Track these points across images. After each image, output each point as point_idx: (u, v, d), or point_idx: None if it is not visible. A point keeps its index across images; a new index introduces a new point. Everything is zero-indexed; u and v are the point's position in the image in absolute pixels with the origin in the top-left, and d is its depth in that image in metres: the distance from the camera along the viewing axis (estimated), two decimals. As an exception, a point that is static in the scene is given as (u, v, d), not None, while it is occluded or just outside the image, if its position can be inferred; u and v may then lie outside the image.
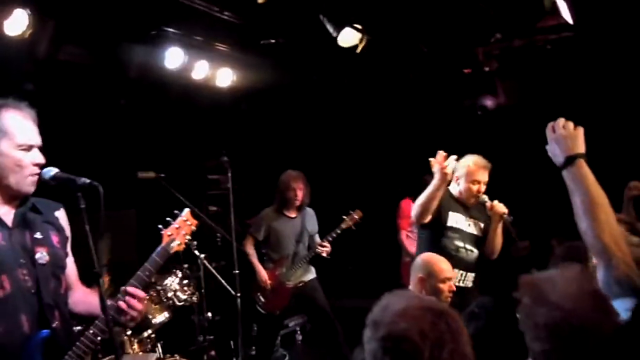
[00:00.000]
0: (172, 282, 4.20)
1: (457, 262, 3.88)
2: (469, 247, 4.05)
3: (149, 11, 4.44)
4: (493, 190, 4.22)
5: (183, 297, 4.23)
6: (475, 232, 4.10)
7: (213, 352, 4.68)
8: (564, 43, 4.94)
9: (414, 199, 4.08)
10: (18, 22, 3.77)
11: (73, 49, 4.42)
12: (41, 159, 2.13)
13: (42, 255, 2.12)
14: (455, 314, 1.37)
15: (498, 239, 4.07)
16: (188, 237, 2.40)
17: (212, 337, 4.64)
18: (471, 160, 4.05)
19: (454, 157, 3.76)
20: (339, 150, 6.81)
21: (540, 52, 5.02)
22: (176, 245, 2.34)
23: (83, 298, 2.34)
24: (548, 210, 5.79)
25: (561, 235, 3.47)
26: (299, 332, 6.37)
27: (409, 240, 5.84)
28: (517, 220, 4.02)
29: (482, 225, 4.12)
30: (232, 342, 5.12)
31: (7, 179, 2.08)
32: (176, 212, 2.41)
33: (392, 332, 1.31)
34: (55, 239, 2.22)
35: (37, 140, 2.14)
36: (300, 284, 5.11)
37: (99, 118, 4.98)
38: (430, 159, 3.76)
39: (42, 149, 2.16)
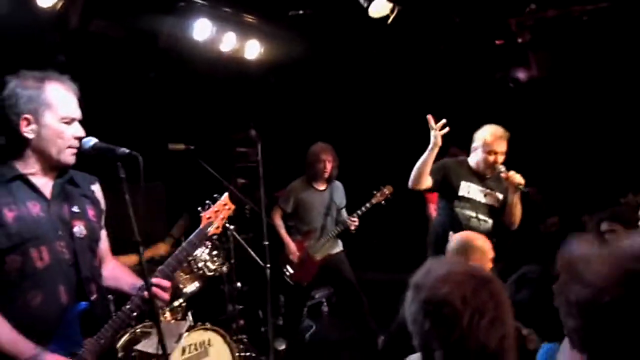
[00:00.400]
0: (202, 252, 4.25)
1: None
2: (482, 217, 4.05)
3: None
4: (523, 164, 4.19)
5: (213, 267, 4.28)
6: (490, 203, 4.08)
7: (242, 321, 4.76)
8: (600, 14, 4.80)
9: None
10: (49, -6, 3.80)
11: (103, 21, 4.43)
12: (82, 132, 2.15)
13: (79, 229, 2.15)
14: (499, 282, 1.36)
15: (516, 210, 4.01)
16: (225, 220, 2.47)
17: (241, 306, 4.71)
18: (488, 131, 4.02)
19: (444, 121, 3.79)
20: (367, 123, 6.77)
21: (576, 23, 4.88)
22: (214, 228, 2.41)
23: (112, 273, 2.38)
24: (579, 185, 5.73)
25: (592, 211, 3.44)
26: (325, 303, 6.44)
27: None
28: (547, 195, 3.98)
29: (499, 195, 4.09)
30: (260, 312, 5.20)
31: (49, 150, 2.09)
32: (215, 195, 2.47)
33: (433, 296, 1.32)
34: (91, 212, 2.25)
35: (78, 113, 2.16)
36: (328, 257, 5.13)
37: (129, 90, 5.01)
38: (429, 115, 3.79)
39: (81, 122, 2.18)
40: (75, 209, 2.18)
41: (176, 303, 4.14)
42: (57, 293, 2.06)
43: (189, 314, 4.23)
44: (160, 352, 2.20)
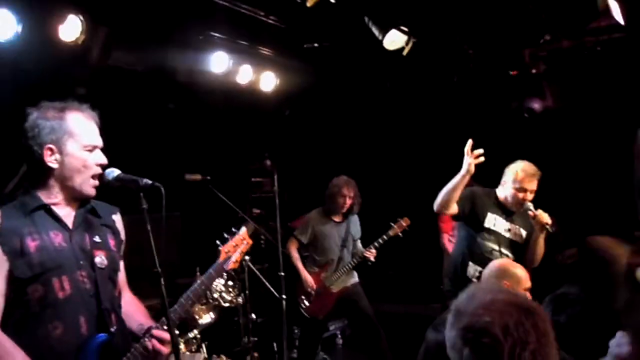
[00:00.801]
0: (217, 283, 4.23)
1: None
2: (504, 251, 4.00)
3: (196, 16, 4.52)
4: (539, 195, 4.16)
5: (228, 298, 4.26)
6: (513, 238, 4.03)
7: (256, 354, 4.70)
8: (614, 44, 4.81)
9: None
10: (72, 28, 3.88)
11: (123, 55, 4.52)
12: (104, 160, 2.18)
13: (101, 260, 2.16)
14: (544, 314, 1.32)
15: (539, 249, 3.95)
16: (244, 255, 2.48)
17: (255, 338, 4.66)
18: (520, 167, 3.97)
19: (480, 150, 3.75)
20: (382, 155, 6.78)
21: (590, 54, 4.89)
22: (232, 262, 2.43)
23: (126, 307, 2.36)
24: (595, 215, 5.67)
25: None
26: (339, 335, 6.37)
27: (451, 245, 5.78)
28: (563, 225, 3.92)
29: (523, 233, 4.04)
30: (275, 344, 5.14)
31: (72, 180, 2.12)
32: (234, 229, 2.49)
33: (474, 324, 1.29)
34: (112, 242, 2.26)
35: (99, 141, 2.19)
36: (344, 289, 5.09)
37: (148, 122, 5.09)
38: (470, 141, 3.78)
39: (109, 148, 2.21)
40: (96, 238, 2.19)
41: (191, 335, 4.11)
42: (78, 323, 2.06)
43: (203, 345, 4.20)
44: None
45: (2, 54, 3.72)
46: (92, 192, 2.17)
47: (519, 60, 5.17)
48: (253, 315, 4.61)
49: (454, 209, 3.91)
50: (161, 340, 2.17)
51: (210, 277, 2.38)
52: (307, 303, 5.04)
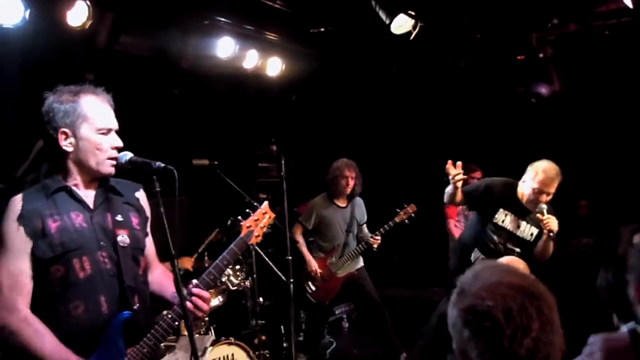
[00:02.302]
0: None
1: (492, 254, 3.94)
2: (509, 246, 4.01)
3: (202, 1, 4.51)
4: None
5: (236, 282, 4.31)
6: (521, 236, 4.01)
7: (264, 337, 4.75)
8: (622, 28, 4.78)
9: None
10: (79, 13, 3.88)
11: (130, 40, 4.52)
12: (119, 142, 2.18)
13: (123, 238, 2.18)
14: (552, 301, 1.27)
15: (548, 249, 3.94)
16: (265, 228, 2.46)
17: (263, 321, 4.71)
18: (542, 167, 3.84)
19: (459, 164, 3.80)
20: (389, 139, 6.79)
21: (598, 38, 4.87)
22: (254, 236, 2.42)
23: (159, 279, 2.40)
24: (604, 200, 5.68)
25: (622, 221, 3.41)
26: (345, 319, 6.42)
27: (457, 230, 5.82)
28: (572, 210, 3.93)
29: (535, 231, 3.99)
30: (282, 327, 5.19)
31: (88, 162, 2.13)
32: (256, 204, 2.48)
33: (476, 306, 1.25)
34: (135, 220, 2.27)
35: (115, 124, 2.20)
36: (349, 275, 5.12)
37: (154, 107, 5.10)
38: (449, 162, 3.81)
39: (119, 132, 2.21)
40: (118, 217, 2.21)
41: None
42: (99, 303, 2.08)
43: (212, 328, 4.25)
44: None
45: (11, 38, 3.74)
46: (110, 170, 2.18)
47: (526, 45, 5.15)
48: (260, 299, 4.65)
49: (460, 201, 3.98)
50: (202, 299, 2.22)
51: (232, 252, 2.36)
52: (312, 288, 5.08)
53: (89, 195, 2.18)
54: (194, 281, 2.29)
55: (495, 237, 4.00)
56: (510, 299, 1.23)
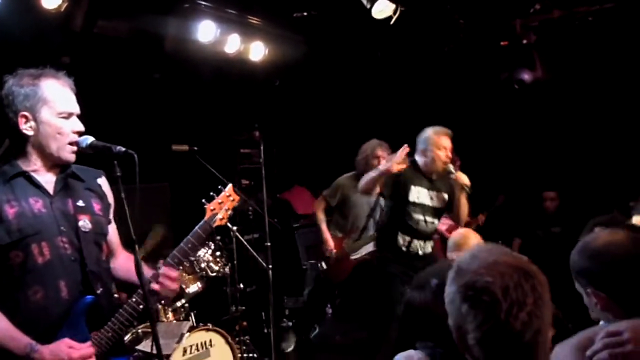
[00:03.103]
0: (205, 253, 4.26)
1: (418, 234, 4.22)
2: (429, 219, 4.26)
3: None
4: (530, 164, 4.21)
5: (215, 268, 4.29)
6: (437, 205, 4.28)
7: (245, 323, 4.76)
8: (605, 14, 4.76)
9: None
10: (54, -5, 3.82)
11: (108, 23, 4.45)
12: (80, 127, 2.15)
13: (84, 223, 2.16)
14: (544, 279, 1.37)
15: (463, 208, 4.25)
16: (230, 211, 2.44)
17: (243, 308, 4.71)
18: (432, 130, 4.23)
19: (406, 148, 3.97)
20: (373, 125, 6.75)
21: (581, 24, 4.85)
22: (218, 219, 2.40)
23: (124, 264, 2.38)
24: (584, 186, 5.70)
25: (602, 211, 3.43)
26: (329, 305, 6.42)
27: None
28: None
29: (445, 196, 4.30)
30: (263, 314, 5.20)
31: (49, 147, 2.10)
32: (220, 187, 2.45)
33: (475, 282, 1.34)
34: (97, 206, 2.25)
35: (76, 108, 2.16)
36: (362, 259, 4.99)
37: (134, 91, 5.04)
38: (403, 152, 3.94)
39: (80, 117, 2.18)
40: (80, 203, 2.19)
41: (179, 303, 4.15)
42: (58, 288, 2.07)
43: (192, 314, 4.24)
44: (156, 351, 2.17)
45: (-16, 21, 3.67)
46: (70, 157, 2.15)
47: (510, 31, 5.12)
48: (241, 285, 4.65)
49: (376, 190, 4.19)
50: (170, 278, 2.22)
51: (196, 234, 2.34)
52: (325, 266, 4.98)
53: (48, 181, 2.15)
54: (161, 261, 2.27)
55: (415, 216, 4.21)
56: (507, 277, 1.32)
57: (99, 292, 2.16)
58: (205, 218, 2.37)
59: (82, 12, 4.21)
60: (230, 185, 2.47)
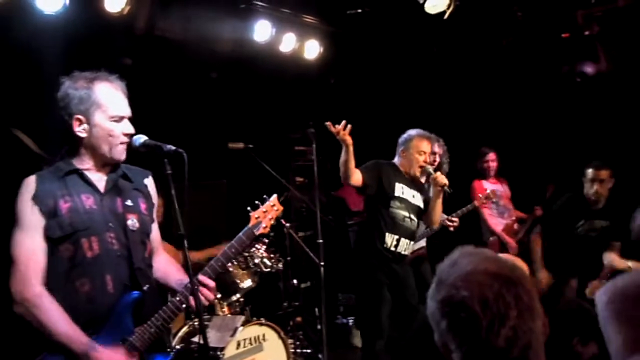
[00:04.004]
0: (258, 249, 4.33)
1: (404, 231, 4.23)
2: (412, 217, 4.30)
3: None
4: (592, 159, 4.09)
5: (269, 264, 4.35)
6: (418, 204, 4.34)
7: (299, 318, 4.81)
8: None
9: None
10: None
11: (167, 25, 4.60)
12: (131, 129, 2.24)
13: (132, 222, 2.27)
14: (530, 286, 1.23)
15: (438, 209, 4.31)
16: (273, 221, 2.55)
17: (297, 303, 4.76)
18: (415, 132, 4.33)
19: (343, 122, 3.91)
20: (428, 121, 6.64)
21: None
22: (262, 228, 2.51)
23: (163, 266, 2.49)
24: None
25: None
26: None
27: (492, 218, 5.69)
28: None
29: (424, 197, 4.37)
30: (316, 310, 5.23)
31: (100, 148, 2.21)
32: (265, 196, 2.56)
33: (451, 297, 1.22)
34: (143, 206, 2.36)
35: (127, 111, 2.26)
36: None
37: (192, 91, 5.18)
38: (327, 123, 3.92)
39: (131, 119, 2.27)
40: (128, 202, 2.29)
41: (234, 298, 4.25)
42: (104, 281, 2.17)
43: (247, 309, 4.32)
44: (205, 343, 2.25)
45: (52, 25, 3.86)
46: (121, 156, 2.25)
47: (571, 22, 4.93)
48: (294, 281, 4.71)
49: (357, 179, 4.11)
50: (207, 287, 2.32)
51: (240, 240, 2.45)
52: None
53: (100, 180, 2.26)
54: (205, 268, 2.38)
55: (401, 213, 4.24)
56: (486, 288, 1.19)
57: (145, 288, 2.26)
58: (249, 225, 2.48)
59: (143, 15, 4.38)
60: (275, 196, 2.58)
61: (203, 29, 4.76)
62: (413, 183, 4.35)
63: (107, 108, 2.19)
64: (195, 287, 2.16)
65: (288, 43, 5.26)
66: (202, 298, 2.25)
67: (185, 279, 2.33)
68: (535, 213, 5.69)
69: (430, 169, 4.25)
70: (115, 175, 2.30)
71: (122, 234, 2.23)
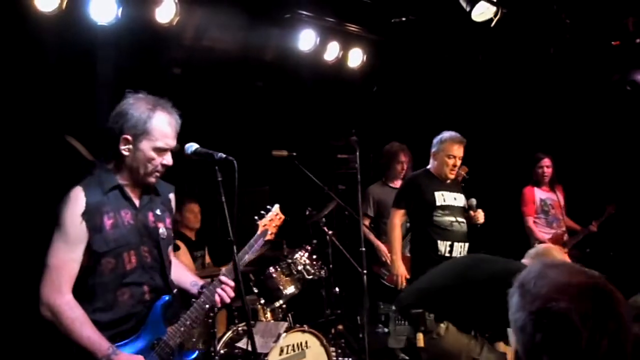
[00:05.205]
0: (301, 256, 4.37)
1: (454, 235, 4.25)
2: (460, 219, 4.32)
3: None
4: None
5: (312, 271, 4.37)
6: (462, 205, 4.37)
7: (341, 326, 4.80)
8: None
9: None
10: (167, 10, 4.09)
11: (215, 35, 4.70)
12: (169, 162, 2.35)
13: (163, 231, 2.43)
14: (621, 296, 1.23)
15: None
16: (277, 228, 2.78)
17: (339, 311, 4.76)
18: (447, 135, 4.36)
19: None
20: (473, 129, 6.57)
21: None
22: (268, 235, 2.73)
23: (176, 271, 2.61)
24: None
25: None
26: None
27: (537, 227, 5.60)
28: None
29: (463, 197, 4.41)
30: (358, 318, 5.21)
31: (138, 170, 2.32)
32: (268, 207, 2.76)
33: (550, 308, 1.20)
34: (167, 219, 2.50)
35: (173, 144, 2.35)
36: None
37: (238, 99, 5.27)
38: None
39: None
40: (157, 212, 2.44)
41: (277, 304, 4.29)
42: (142, 290, 2.35)
43: (289, 315, 4.36)
44: (253, 349, 2.34)
45: (105, 35, 4.00)
46: (153, 181, 2.38)
47: (622, 29, 4.81)
48: (336, 289, 4.71)
49: (402, 219, 4.40)
50: (228, 286, 2.48)
51: (251, 246, 2.65)
52: (386, 273, 5.06)
53: (135, 195, 2.40)
54: (222, 269, 2.56)
55: (447, 219, 4.27)
56: (584, 300, 1.20)
57: (175, 291, 2.45)
58: (258, 233, 2.69)
59: (192, 25, 4.49)
60: (277, 205, 2.79)
61: (249, 39, 4.86)
62: (451, 186, 4.39)
63: (156, 139, 2.29)
64: (243, 291, 2.29)
65: (332, 52, 5.30)
66: (224, 295, 2.44)
67: (198, 281, 2.60)
68: (589, 228, 5.58)
69: (474, 203, 4.32)
70: (149, 191, 2.44)
71: (153, 246, 2.39)
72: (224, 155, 2.22)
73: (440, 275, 3.45)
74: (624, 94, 5.31)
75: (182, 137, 2.41)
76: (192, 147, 2.33)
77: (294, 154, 4.44)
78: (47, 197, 2.42)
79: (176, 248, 4.21)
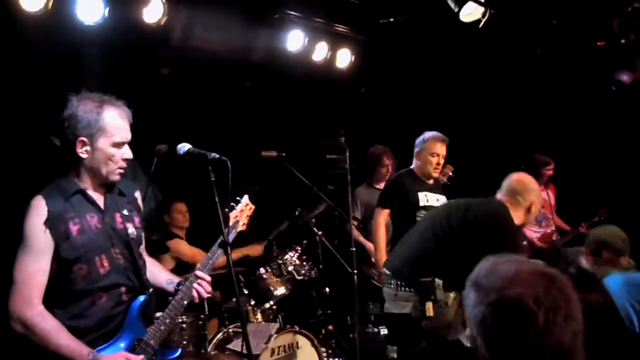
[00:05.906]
0: (291, 257, 4.37)
1: None
2: None
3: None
4: (631, 173, 4.00)
5: (302, 271, 4.38)
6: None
7: (331, 327, 4.80)
8: None
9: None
10: (154, 10, 4.06)
11: (203, 35, 4.67)
12: (130, 155, 2.32)
13: (132, 231, 2.39)
14: (566, 279, 1.34)
15: None
16: (248, 218, 2.82)
17: (329, 311, 4.76)
18: (429, 135, 4.43)
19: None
20: (460, 130, 6.61)
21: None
22: (240, 226, 2.75)
23: (150, 268, 2.58)
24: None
25: None
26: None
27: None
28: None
29: (446, 199, 4.45)
30: (348, 318, 5.22)
31: (100, 170, 2.29)
32: (238, 198, 2.76)
33: (505, 298, 1.30)
34: (136, 219, 2.47)
35: (128, 137, 2.33)
36: None
37: (226, 100, 5.25)
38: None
39: (130, 144, 2.34)
40: (125, 212, 2.41)
41: (267, 305, 4.28)
42: (119, 292, 2.33)
43: (279, 316, 4.35)
44: (248, 350, 2.33)
45: (91, 35, 3.96)
46: (117, 178, 2.35)
47: (607, 30, 4.86)
48: (327, 289, 4.71)
49: (387, 219, 4.40)
50: (205, 281, 2.47)
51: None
52: (376, 273, 5.06)
53: (99, 198, 2.36)
54: (198, 265, 2.52)
55: None
56: (534, 285, 1.30)
57: (150, 291, 2.42)
58: (230, 224, 2.67)
59: (179, 26, 4.46)
60: (246, 196, 2.80)
61: (237, 39, 4.84)
62: (434, 187, 4.46)
63: (112, 134, 2.25)
64: (239, 290, 2.24)
65: (320, 52, 5.30)
66: (201, 290, 2.43)
67: (174, 278, 2.57)
68: (579, 229, 5.63)
69: None
70: (113, 193, 2.40)
71: (124, 247, 2.35)
72: (217, 156, 2.21)
73: (420, 239, 3.47)
74: (609, 94, 5.36)
75: (170, 137, 2.40)
76: (184, 147, 2.31)
77: (283, 154, 4.44)
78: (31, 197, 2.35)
79: (165, 250, 4.19)
